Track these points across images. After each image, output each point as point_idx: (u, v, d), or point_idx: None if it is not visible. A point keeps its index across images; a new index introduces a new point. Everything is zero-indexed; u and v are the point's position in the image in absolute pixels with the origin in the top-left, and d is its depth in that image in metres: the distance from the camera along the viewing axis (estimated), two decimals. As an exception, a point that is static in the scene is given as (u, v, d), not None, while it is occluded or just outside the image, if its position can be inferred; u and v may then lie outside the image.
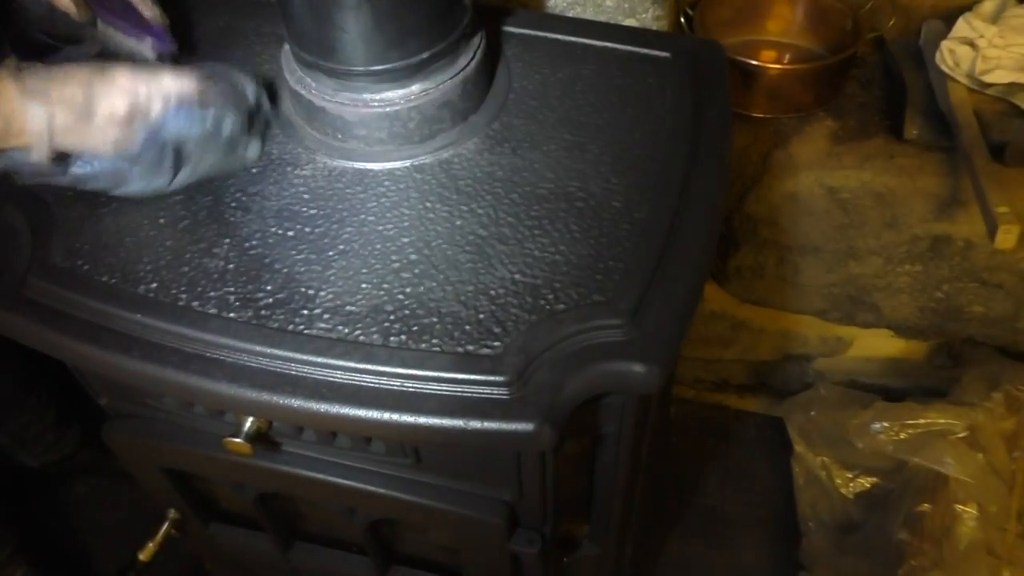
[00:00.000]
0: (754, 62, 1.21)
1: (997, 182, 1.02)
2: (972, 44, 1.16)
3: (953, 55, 1.17)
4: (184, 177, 0.70)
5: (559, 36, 0.88)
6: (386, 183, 0.73)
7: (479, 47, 0.76)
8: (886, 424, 1.22)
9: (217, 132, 0.69)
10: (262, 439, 0.70)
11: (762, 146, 1.23)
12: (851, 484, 1.31)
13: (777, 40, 1.36)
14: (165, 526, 0.92)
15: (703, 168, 0.75)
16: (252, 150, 0.74)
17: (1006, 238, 0.96)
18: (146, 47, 0.75)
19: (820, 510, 1.34)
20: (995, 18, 1.17)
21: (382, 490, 0.76)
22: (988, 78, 1.14)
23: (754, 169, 1.25)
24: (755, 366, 1.64)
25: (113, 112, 0.64)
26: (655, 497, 1.51)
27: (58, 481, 1.59)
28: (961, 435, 1.17)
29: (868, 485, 1.29)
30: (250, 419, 0.68)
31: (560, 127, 0.78)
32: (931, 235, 1.22)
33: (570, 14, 1.06)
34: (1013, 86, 1.14)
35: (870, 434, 1.23)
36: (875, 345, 1.49)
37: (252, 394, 0.61)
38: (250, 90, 0.73)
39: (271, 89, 0.79)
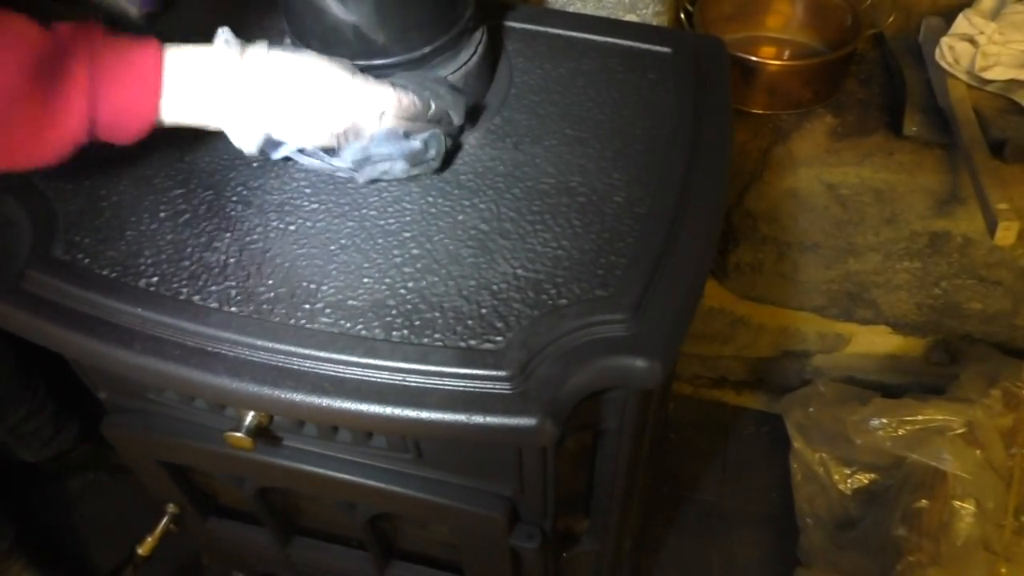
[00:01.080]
0: (754, 58, 1.21)
1: (997, 179, 1.02)
2: (972, 41, 1.16)
3: (953, 52, 1.17)
4: (366, 173, 0.70)
5: (560, 31, 0.88)
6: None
7: (481, 42, 0.76)
8: (884, 420, 1.22)
9: (423, 153, 0.70)
10: (263, 434, 0.70)
11: (762, 142, 1.23)
12: (849, 480, 1.31)
13: (777, 36, 1.36)
14: (164, 521, 0.92)
15: (705, 164, 0.75)
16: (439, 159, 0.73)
17: (1006, 235, 0.96)
18: (132, 5, 0.75)
19: (818, 506, 1.34)
20: (995, 15, 1.17)
21: (383, 485, 0.76)
22: (988, 75, 1.14)
23: (753, 165, 1.25)
24: (754, 362, 1.64)
25: (331, 126, 0.65)
26: (654, 493, 1.51)
27: (56, 476, 1.58)
28: (959, 431, 1.18)
29: (866, 481, 1.29)
30: (251, 413, 0.68)
31: (562, 122, 0.78)
32: (930, 232, 1.22)
33: (571, 9, 1.05)
34: (1013, 83, 1.15)
35: (868, 430, 1.23)
36: (873, 342, 1.49)
37: (254, 388, 0.61)
38: (457, 113, 0.71)
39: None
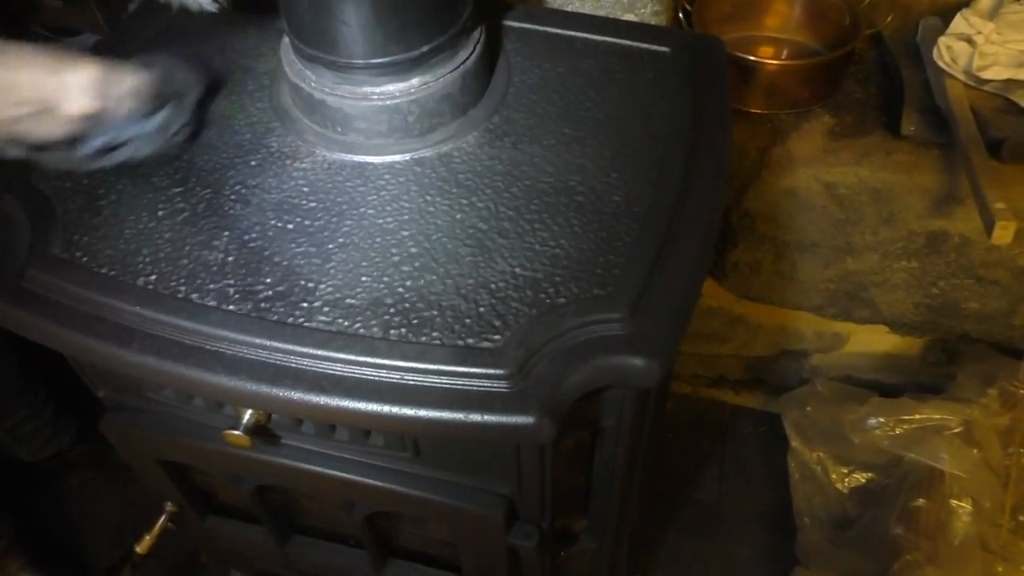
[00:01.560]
0: (752, 58, 1.21)
1: (994, 178, 1.02)
2: (969, 40, 1.16)
3: (950, 51, 1.17)
4: (114, 158, 0.71)
5: (559, 30, 0.88)
6: (386, 176, 0.73)
7: (479, 41, 0.76)
8: (882, 420, 1.22)
9: (163, 131, 0.72)
10: (261, 432, 0.71)
11: (760, 142, 1.24)
12: (846, 479, 1.31)
13: (775, 36, 1.36)
14: (162, 519, 0.92)
15: (703, 163, 0.75)
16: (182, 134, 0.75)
17: (1003, 234, 0.96)
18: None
19: (815, 505, 1.34)
20: (992, 14, 1.18)
21: (380, 483, 0.76)
22: (985, 74, 1.14)
23: (752, 165, 1.25)
24: (752, 362, 1.64)
25: (74, 113, 0.65)
26: (652, 492, 1.51)
27: (55, 475, 1.58)
28: (956, 431, 1.18)
29: (863, 480, 1.30)
30: (249, 412, 0.68)
31: (560, 121, 0.79)
32: (927, 231, 1.22)
33: (569, 8, 1.05)
34: (1010, 82, 1.15)
35: (866, 429, 1.23)
36: (871, 341, 1.49)
37: (252, 386, 0.61)
38: (194, 93, 0.75)
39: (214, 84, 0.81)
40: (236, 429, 0.68)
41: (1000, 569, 1.15)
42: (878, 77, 1.29)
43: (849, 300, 1.39)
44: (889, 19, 1.24)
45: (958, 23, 1.18)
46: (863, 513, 1.28)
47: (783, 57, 1.33)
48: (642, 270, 0.66)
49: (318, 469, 0.77)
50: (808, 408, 1.37)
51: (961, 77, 1.17)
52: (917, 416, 1.21)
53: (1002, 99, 1.15)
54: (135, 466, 0.90)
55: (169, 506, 0.94)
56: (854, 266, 1.32)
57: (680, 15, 1.25)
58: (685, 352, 1.65)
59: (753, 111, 1.25)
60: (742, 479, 1.59)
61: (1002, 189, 1.01)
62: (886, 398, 1.29)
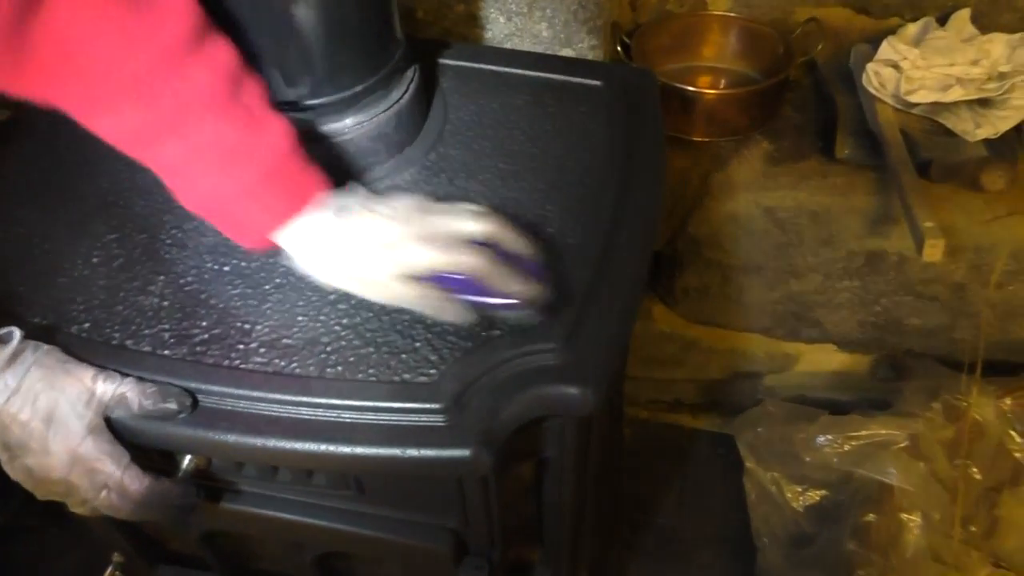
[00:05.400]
0: (691, 88, 1.24)
1: (924, 198, 1.05)
2: (896, 66, 1.20)
3: (879, 77, 1.21)
4: None
5: (494, 67, 0.89)
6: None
7: (413, 80, 0.78)
8: (831, 437, 1.24)
9: None
10: (201, 476, 0.70)
11: (702, 169, 1.26)
12: (801, 498, 1.32)
13: (713, 66, 1.40)
14: (108, 570, 0.90)
15: (636, 193, 0.76)
16: None
17: (932, 251, 0.99)
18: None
19: (773, 525, 1.35)
20: (918, 41, 1.22)
21: (326, 523, 0.75)
22: (913, 98, 1.18)
23: (695, 192, 1.28)
24: (707, 385, 1.66)
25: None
26: (612, 519, 1.51)
27: (10, 535, 1.54)
28: (903, 445, 1.20)
29: (818, 498, 1.31)
30: (188, 456, 0.68)
31: (495, 156, 0.80)
32: (866, 251, 1.25)
33: (508, 45, 1.08)
34: (936, 105, 1.19)
35: (816, 448, 1.25)
36: (821, 360, 1.52)
37: (187, 432, 0.61)
38: None
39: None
40: (175, 475, 0.68)
41: (953, 580, 1.17)
42: (813, 103, 1.33)
43: (796, 320, 1.41)
44: (820, 47, 1.27)
45: (885, 49, 1.22)
46: (819, 531, 1.29)
47: (721, 86, 1.36)
48: (576, 300, 0.66)
49: (263, 512, 0.76)
50: (760, 429, 1.39)
51: (890, 101, 1.21)
52: (864, 432, 1.23)
53: (930, 121, 1.20)
54: (80, 519, 0.89)
55: (116, 556, 0.92)
56: (798, 287, 1.34)
57: (619, 48, 1.28)
58: (641, 377, 1.66)
59: (694, 139, 1.28)
60: (702, 502, 1.60)
61: (931, 208, 1.04)
62: (835, 416, 1.31)
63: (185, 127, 0.58)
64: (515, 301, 0.62)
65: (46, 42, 0.53)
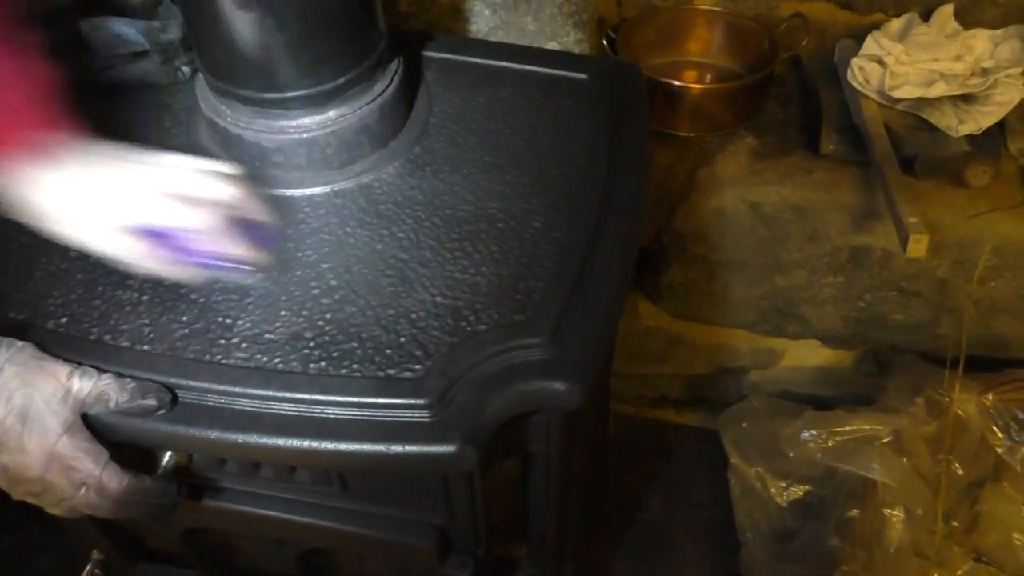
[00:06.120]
0: (677, 83, 1.24)
1: (908, 193, 1.05)
2: (880, 61, 1.20)
3: (863, 72, 1.21)
4: None
5: (479, 60, 0.89)
6: (305, 209, 0.73)
7: (396, 72, 0.77)
8: (815, 433, 1.24)
9: None
10: (182, 473, 0.69)
11: (687, 164, 1.26)
12: (785, 493, 1.32)
13: (699, 61, 1.39)
14: (87, 568, 0.89)
15: (621, 187, 0.76)
16: None
17: (916, 247, 0.99)
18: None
19: (757, 520, 1.36)
20: (902, 36, 1.22)
21: (310, 520, 0.75)
22: (897, 93, 1.18)
23: (680, 187, 1.27)
24: (692, 380, 1.66)
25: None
26: (597, 515, 1.51)
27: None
28: (886, 440, 1.20)
29: (801, 493, 1.31)
30: (168, 453, 0.67)
31: (480, 150, 0.79)
32: (850, 246, 1.25)
33: (493, 38, 1.07)
34: (920, 100, 1.19)
35: (800, 443, 1.25)
36: (805, 355, 1.52)
37: (167, 428, 0.60)
38: None
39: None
40: (155, 472, 0.67)
41: (936, 575, 1.17)
42: (798, 98, 1.33)
43: (781, 316, 1.41)
44: (805, 42, 1.27)
45: (869, 45, 1.22)
46: (803, 526, 1.30)
47: (707, 81, 1.36)
48: (561, 295, 0.66)
49: (245, 508, 0.75)
50: (744, 424, 1.39)
51: (875, 97, 1.21)
52: (848, 428, 1.23)
53: (914, 117, 1.20)
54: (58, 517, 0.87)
55: (95, 555, 0.91)
56: (783, 283, 1.34)
57: (604, 42, 1.28)
58: (626, 373, 1.66)
59: (680, 134, 1.28)
60: (687, 498, 1.60)
61: (916, 204, 1.04)
62: (819, 411, 1.31)
63: None
64: (239, 265, 0.63)
65: None
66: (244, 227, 0.62)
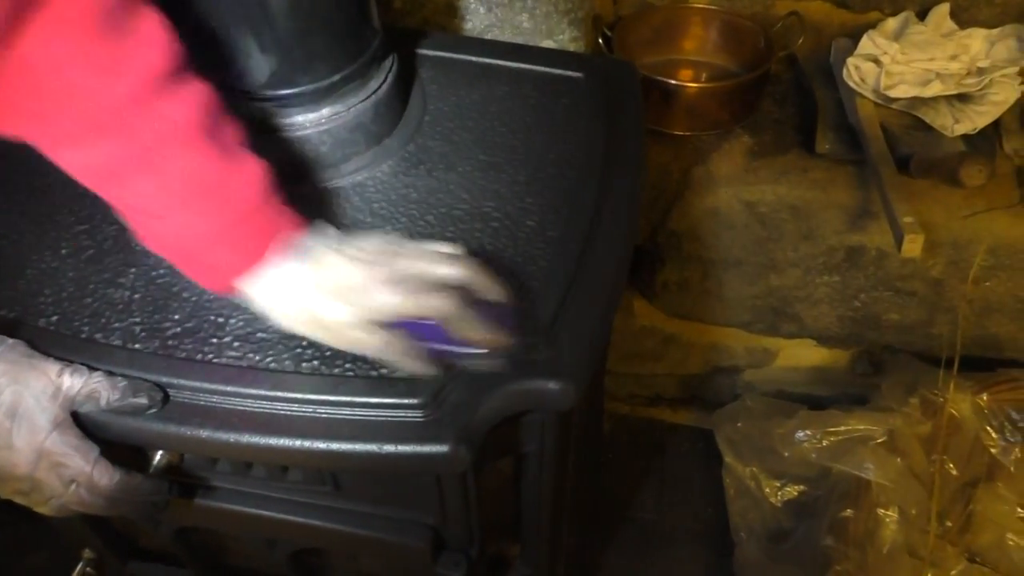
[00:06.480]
0: (673, 81, 1.24)
1: (903, 193, 1.05)
2: (876, 61, 1.20)
3: (859, 71, 1.21)
4: None
5: (474, 58, 0.88)
6: (298, 207, 0.72)
7: (391, 70, 0.76)
8: (809, 432, 1.24)
9: None
10: (174, 472, 0.69)
11: (683, 163, 1.26)
12: (779, 493, 1.33)
13: (694, 59, 1.39)
14: (79, 566, 0.89)
15: (616, 186, 0.76)
16: None
17: (911, 247, 0.99)
18: None
19: (751, 520, 1.36)
20: (898, 35, 1.22)
21: (302, 519, 0.74)
22: (892, 93, 1.18)
23: (676, 186, 1.27)
24: (686, 379, 1.66)
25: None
26: (591, 513, 1.51)
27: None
28: (880, 440, 1.20)
29: (796, 493, 1.32)
30: (159, 452, 0.66)
31: (475, 148, 0.79)
32: (845, 246, 1.25)
33: (488, 36, 1.06)
34: (916, 100, 1.19)
35: (795, 443, 1.25)
36: (800, 355, 1.52)
37: (158, 427, 0.59)
38: None
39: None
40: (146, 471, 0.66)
41: (929, 575, 1.17)
42: (794, 97, 1.33)
43: (775, 315, 1.41)
44: (801, 41, 1.27)
45: (865, 44, 1.22)
46: (797, 526, 1.30)
47: (702, 80, 1.36)
48: (556, 294, 0.66)
49: (236, 508, 0.75)
50: (739, 424, 1.39)
51: (870, 96, 1.21)
52: (843, 428, 1.23)
53: (909, 116, 1.20)
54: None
55: (87, 553, 0.90)
56: (778, 282, 1.34)
57: (600, 40, 1.27)
58: (621, 372, 1.66)
59: (675, 133, 1.28)
60: (681, 497, 1.60)
61: (911, 203, 1.04)
62: (813, 411, 1.31)
63: (157, 163, 0.54)
64: (482, 351, 0.59)
65: (18, 71, 0.50)
66: (483, 309, 0.59)
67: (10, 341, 0.59)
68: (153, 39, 0.53)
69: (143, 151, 0.54)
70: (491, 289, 0.60)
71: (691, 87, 1.26)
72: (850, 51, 1.25)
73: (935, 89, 1.17)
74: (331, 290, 0.57)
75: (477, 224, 0.72)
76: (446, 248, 0.61)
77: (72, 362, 0.60)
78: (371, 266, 0.58)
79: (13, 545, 1.53)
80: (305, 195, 0.73)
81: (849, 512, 1.18)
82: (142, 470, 0.64)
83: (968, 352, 1.27)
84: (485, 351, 0.59)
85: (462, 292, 0.58)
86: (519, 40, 1.06)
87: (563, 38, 1.08)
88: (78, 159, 0.55)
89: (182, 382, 0.61)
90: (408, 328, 0.58)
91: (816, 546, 1.21)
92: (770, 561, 1.30)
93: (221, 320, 0.64)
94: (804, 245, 1.27)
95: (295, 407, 0.60)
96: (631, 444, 1.69)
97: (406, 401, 0.59)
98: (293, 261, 0.58)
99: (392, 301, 0.56)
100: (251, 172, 0.57)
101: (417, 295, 0.57)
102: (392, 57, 0.77)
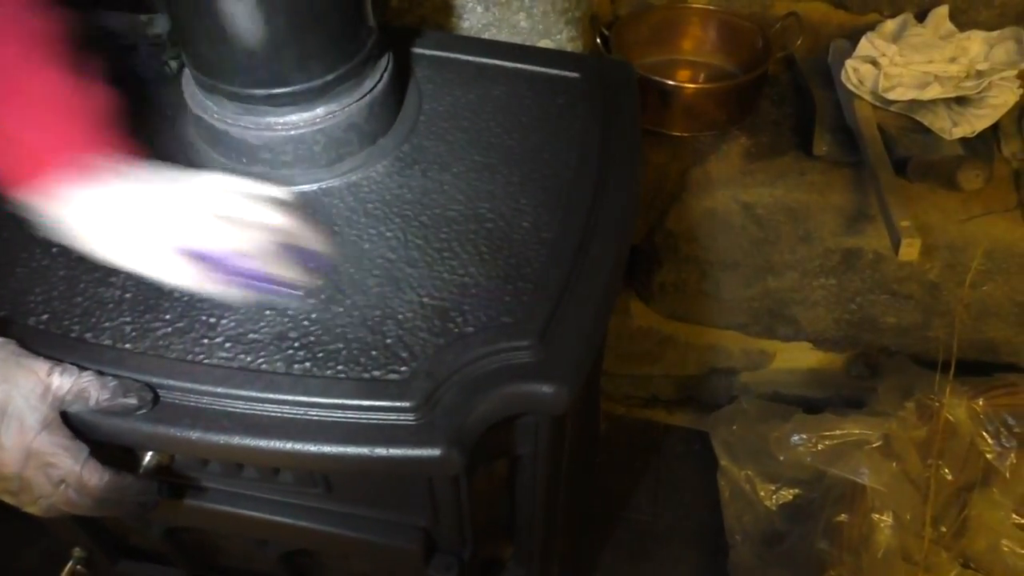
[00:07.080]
0: (670, 82, 1.23)
1: (900, 196, 1.05)
2: (875, 63, 1.20)
3: (857, 73, 1.20)
4: None
5: (470, 57, 0.88)
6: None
7: (386, 69, 0.76)
8: (804, 436, 1.24)
9: None
10: (164, 473, 0.68)
11: (680, 164, 1.25)
12: (774, 496, 1.32)
13: (692, 60, 1.39)
14: (69, 565, 0.88)
15: (612, 188, 0.75)
16: None
17: (909, 251, 0.99)
18: None
19: (746, 523, 1.35)
20: (896, 37, 1.21)
21: (293, 521, 0.74)
22: (890, 95, 1.18)
23: (673, 187, 1.27)
24: (683, 381, 1.66)
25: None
26: (586, 514, 1.51)
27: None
28: (876, 445, 1.20)
29: (791, 496, 1.31)
30: (149, 453, 0.66)
31: (470, 148, 0.78)
32: (842, 248, 1.25)
33: (485, 35, 1.06)
34: (914, 103, 1.18)
35: (790, 446, 1.25)
36: (796, 357, 1.52)
37: (148, 428, 0.59)
38: None
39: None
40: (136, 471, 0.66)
41: (923, 579, 1.17)
42: (792, 98, 1.32)
43: (772, 318, 1.41)
44: (799, 42, 1.27)
45: (864, 46, 1.21)
46: (791, 529, 1.29)
47: (700, 80, 1.35)
48: (550, 296, 0.65)
49: (227, 509, 0.74)
50: (735, 426, 1.38)
51: (868, 98, 1.21)
52: (838, 431, 1.23)
53: (907, 119, 1.19)
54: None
55: (77, 551, 0.90)
56: (775, 284, 1.34)
57: (598, 40, 1.27)
58: (617, 373, 1.66)
59: (673, 133, 1.27)
60: (676, 498, 1.60)
61: (908, 207, 1.03)
62: (809, 414, 1.31)
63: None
64: (288, 288, 0.63)
65: None
66: (295, 252, 0.63)
67: (0, 340, 0.58)
68: None
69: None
70: (304, 235, 0.64)
71: (689, 88, 1.26)
72: (848, 53, 1.24)
73: (933, 92, 1.17)
74: (149, 213, 0.60)
75: (472, 225, 0.71)
76: (270, 191, 0.65)
77: (62, 361, 0.59)
78: (184, 196, 0.61)
79: (4, 543, 1.52)
80: (298, 195, 0.73)
81: (843, 516, 1.17)
82: (132, 471, 0.63)
83: (964, 356, 1.26)
84: (290, 288, 0.64)
85: (276, 234, 0.62)
86: (516, 39, 1.06)
87: (560, 38, 1.07)
88: None
89: (172, 383, 0.60)
90: (220, 261, 0.61)
91: (810, 550, 1.21)
92: (764, 564, 1.30)
93: (212, 320, 0.64)
94: (801, 247, 1.26)
95: (286, 409, 0.59)
96: (627, 445, 1.69)
97: (398, 404, 0.59)
98: (115, 175, 0.59)
99: (200, 230, 0.60)
100: (97, 88, 0.59)
101: (225, 227, 0.60)
102: (388, 56, 0.77)
